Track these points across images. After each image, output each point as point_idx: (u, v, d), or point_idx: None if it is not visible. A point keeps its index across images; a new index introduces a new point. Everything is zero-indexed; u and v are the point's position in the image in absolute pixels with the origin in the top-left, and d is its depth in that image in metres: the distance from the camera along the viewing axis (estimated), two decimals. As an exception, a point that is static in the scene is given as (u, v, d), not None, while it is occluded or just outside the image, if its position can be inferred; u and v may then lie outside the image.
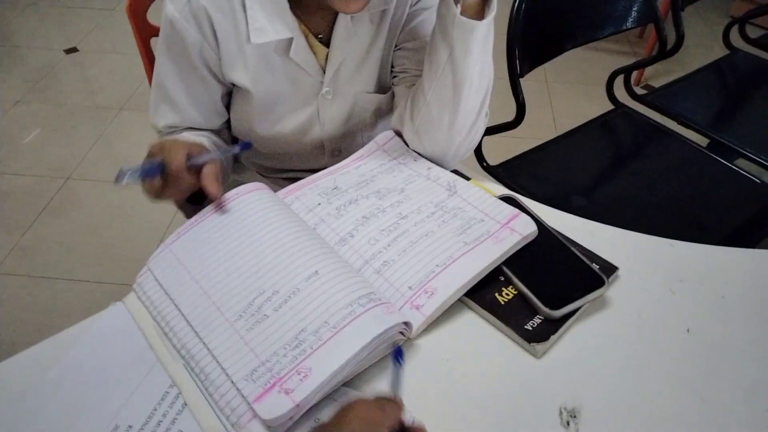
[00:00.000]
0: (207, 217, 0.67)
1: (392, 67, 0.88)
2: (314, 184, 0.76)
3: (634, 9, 1.24)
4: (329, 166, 0.93)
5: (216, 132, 0.87)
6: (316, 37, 0.80)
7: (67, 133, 2.11)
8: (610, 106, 1.44)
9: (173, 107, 0.81)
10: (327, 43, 0.80)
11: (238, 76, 0.79)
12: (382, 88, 0.90)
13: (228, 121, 0.89)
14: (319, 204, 0.73)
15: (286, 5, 0.74)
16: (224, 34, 0.75)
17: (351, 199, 0.73)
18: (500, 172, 1.22)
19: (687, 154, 1.29)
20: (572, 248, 0.68)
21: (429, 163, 0.79)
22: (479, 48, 0.71)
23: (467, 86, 0.73)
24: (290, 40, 0.76)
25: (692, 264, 0.70)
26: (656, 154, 1.32)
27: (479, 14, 0.70)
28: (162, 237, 1.72)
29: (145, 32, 1.01)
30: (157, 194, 0.66)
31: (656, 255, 0.71)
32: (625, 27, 1.25)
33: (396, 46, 0.86)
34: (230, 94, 0.85)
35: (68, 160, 1.98)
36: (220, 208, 0.67)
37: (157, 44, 0.79)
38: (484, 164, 1.22)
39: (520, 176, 1.22)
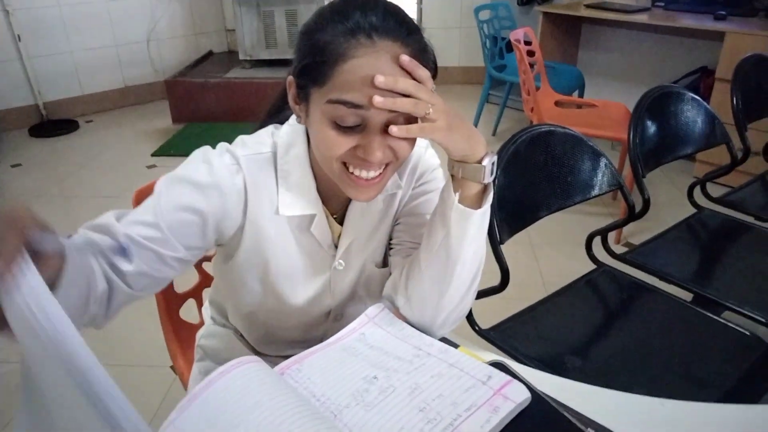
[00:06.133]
0: (210, 388, 0.65)
1: (390, 239, 0.94)
2: (308, 359, 0.77)
3: (599, 178, 1.36)
4: (327, 331, 0.95)
5: None
6: (332, 215, 0.87)
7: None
8: (593, 265, 1.50)
9: (153, 227, 0.74)
10: (341, 221, 0.88)
11: (257, 244, 0.83)
12: (387, 263, 0.96)
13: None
14: (310, 378, 0.73)
15: (314, 185, 0.83)
16: (254, 206, 0.80)
17: (343, 375, 0.74)
18: (492, 336, 1.23)
19: (673, 310, 1.31)
20: (566, 414, 0.68)
21: (418, 333, 0.82)
22: (473, 233, 0.77)
23: (460, 265, 0.78)
24: (312, 217, 0.84)
25: (688, 423, 0.70)
26: (643, 311, 1.35)
27: (477, 203, 0.77)
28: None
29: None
30: None
31: (650, 416, 0.71)
32: (593, 194, 1.35)
33: (396, 221, 0.93)
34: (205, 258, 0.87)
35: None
36: (222, 377, 0.66)
37: (171, 175, 0.77)
38: (476, 328, 1.24)
39: (513, 339, 1.23)
